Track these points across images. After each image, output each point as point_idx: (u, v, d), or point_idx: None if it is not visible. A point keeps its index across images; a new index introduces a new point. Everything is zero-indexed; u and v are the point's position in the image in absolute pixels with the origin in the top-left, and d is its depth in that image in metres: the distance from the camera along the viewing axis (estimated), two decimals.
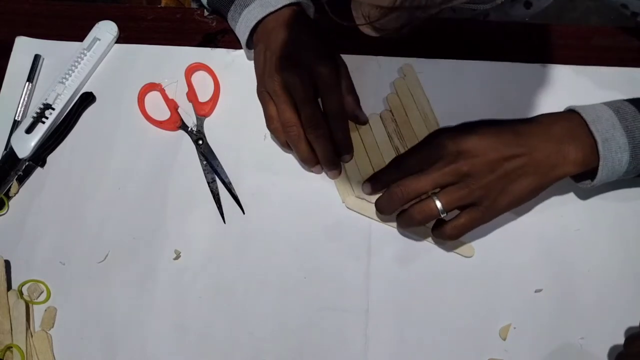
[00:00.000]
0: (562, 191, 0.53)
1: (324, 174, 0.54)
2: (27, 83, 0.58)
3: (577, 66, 0.57)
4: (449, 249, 0.51)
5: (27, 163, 0.55)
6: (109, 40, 0.59)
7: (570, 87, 0.56)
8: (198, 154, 0.55)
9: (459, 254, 0.51)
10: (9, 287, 0.51)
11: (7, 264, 0.52)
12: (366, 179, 0.52)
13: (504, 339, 0.49)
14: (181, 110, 0.57)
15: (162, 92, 0.58)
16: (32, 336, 0.49)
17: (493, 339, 0.49)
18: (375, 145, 0.55)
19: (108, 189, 0.54)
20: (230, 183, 0.54)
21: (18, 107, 0.57)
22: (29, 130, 0.55)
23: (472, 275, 0.51)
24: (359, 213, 0.53)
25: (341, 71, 0.52)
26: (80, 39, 0.59)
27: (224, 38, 0.60)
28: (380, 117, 0.56)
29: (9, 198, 0.54)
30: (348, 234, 0.52)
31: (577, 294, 0.50)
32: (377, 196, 0.53)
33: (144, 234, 0.53)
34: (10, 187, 0.54)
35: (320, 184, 0.54)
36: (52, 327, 0.50)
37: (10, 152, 0.55)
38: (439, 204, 0.46)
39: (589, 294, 0.50)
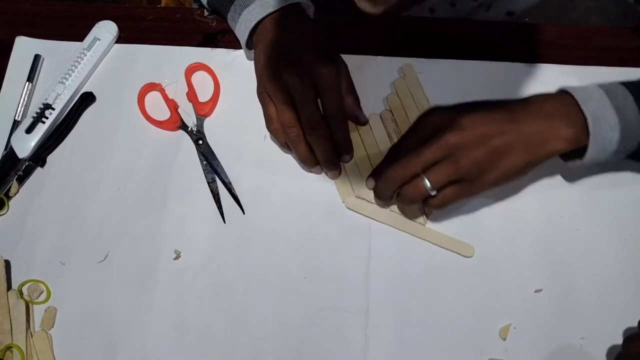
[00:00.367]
0: (562, 191, 0.53)
1: (323, 174, 0.54)
2: (27, 83, 0.58)
3: (577, 66, 0.57)
4: (449, 247, 0.51)
5: (27, 163, 0.55)
6: (109, 40, 0.59)
7: (565, 84, 0.56)
8: (198, 154, 0.55)
9: (459, 254, 0.51)
10: (9, 287, 0.51)
11: (7, 263, 0.52)
12: (369, 174, 0.52)
13: (504, 339, 0.49)
14: (181, 110, 0.57)
15: (162, 92, 0.58)
16: (32, 336, 0.49)
17: (493, 339, 0.49)
18: (375, 145, 0.55)
19: (108, 189, 0.54)
20: (230, 183, 0.54)
21: (18, 107, 0.57)
22: (29, 130, 0.55)
23: (472, 275, 0.51)
24: (359, 213, 0.53)
25: (341, 71, 0.52)
26: (81, 39, 0.59)
27: (224, 38, 0.60)
28: (380, 117, 0.56)
29: (9, 198, 0.54)
30: (348, 234, 0.52)
31: (577, 294, 0.50)
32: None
33: (144, 234, 0.53)
34: (10, 187, 0.54)
35: (321, 184, 0.54)
36: (52, 327, 0.50)
37: (10, 152, 0.55)
38: (427, 183, 0.46)
39: (588, 294, 0.50)
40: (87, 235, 0.53)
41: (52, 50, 0.59)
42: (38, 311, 0.51)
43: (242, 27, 0.54)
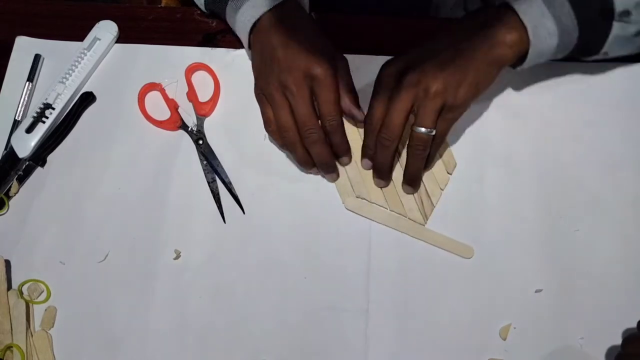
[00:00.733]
0: (561, 192, 0.53)
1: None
2: (28, 83, 0.58)
3: (575, 63, 0.57)
4: (448, 249, 0.51)
5: (27, 163, 0.55)
6: (109, 40, 0.59)
7: (568, 84, 0.57)
8: (198, 153, 0.55)
9: (459, 255, 0.51)
10: (9, 287, 0.51)
11: (7, 263, 0.52)
12: (362, 154, 0.53)
13: (504, 339, 0.49)
14: (181, 110, 0.57)
15: (162, 92, 0.58)
16: (32, 336, 0.49)
17: (493, 339, 0.49)
18: None
19: (108, 189, 0.54)
20: (230, 183, 0.54)
21: (18, 106, 0.57)
22: (29, 129, 0.55)
23: (472, 276, 0.51)
24: (358, 214, 0.53)
25: (339, 69, 0.51)
26: (81, 38, 0.59)
27: (224, 38, 0.60)
28: None
29: (9, 198, 0.54)
30: (348, 234, 0.52)
31: (577, 294, 0.50)
32: (377, 196, 0.53)
33: (144, 234, 0.53)
34: (10, 186, 0.54)
35: (321, 184, 0.54)
36: (52, 326, 0.50)
37: (10, 151, 0.55)
38: (422, 130, 0.47)
39: (588, 295, 0.50)
40: (87, 235, 0.53)
41: (53, 50, 0.59)
42: (38, 311, 0.51)
43: (240, 30, 0.54)
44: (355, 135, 0.55)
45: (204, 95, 0.57)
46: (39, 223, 0.54)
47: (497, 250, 0.51)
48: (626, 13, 0.48)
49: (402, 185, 0.53)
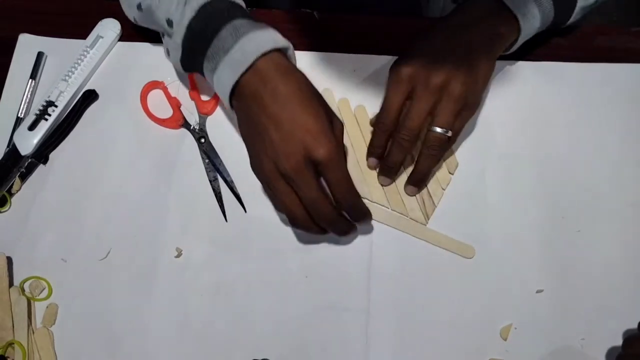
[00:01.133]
0: (563, 193, 0.53)
1: None
2: (30, 80, 0.58)
3: (576, 63, 0.57)
4: (450, 248, 0.52)
5: (29, 160, 0.55)
6: (112, 38, 0.59)
7: (568, 83, 0.57)
8: (200, 152, 0.56)
9: (460, 255, 0.51)
10: (11, 284, 0.51)
11: (9, 260, 0.52)
12: (367, 154, 0.53)
13: (505, 339, 0.49)
14: (183, 109, 0.57)
15: (165, 90, 0.58)
16: (33, 333, 0.50)
17: (494, 339, 0.49)
18: None
19: (110, 187, 0.54)
20: (232, 181, 0.54)
21: (21, 104, 0.57)
22: (32, 127, 0.55)
23: (473, 276, 0.51)
24: None
25: (337, 135, 0.45)
26: (84, 36, 0.59)
27: None
28: None
29: (11, 195, 0.54)
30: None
31: (578, 294, 0.50)
32: (378, 195, 0.53)
33: (146, 232, 0.53)
34: (12, 184, 0.54)
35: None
36: (54, 324, 0.50)
37: (12, 149, 0.55)
38: (439, 130, 0.48)
39: (590, 295, 0.50)
40: (89, 233, 0.53)
41: (55, 47, 0.60)
42: (39, 308, 0.51)
43: (220, 94, 0.47)
44: (357, 134, 0.55)
45: (206, 94, 0.57)
46: (41, 220, 0.54)
47: (498, 251, 0.51)
48: None
49: (406, 187, 0.53)
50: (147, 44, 0.60)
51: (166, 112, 0.57)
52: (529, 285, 0.50)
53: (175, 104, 0.57)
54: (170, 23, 0.48)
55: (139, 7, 0.51)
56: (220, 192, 0.54)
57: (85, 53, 0.58)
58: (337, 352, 0.49)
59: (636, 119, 0.56)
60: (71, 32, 0.60)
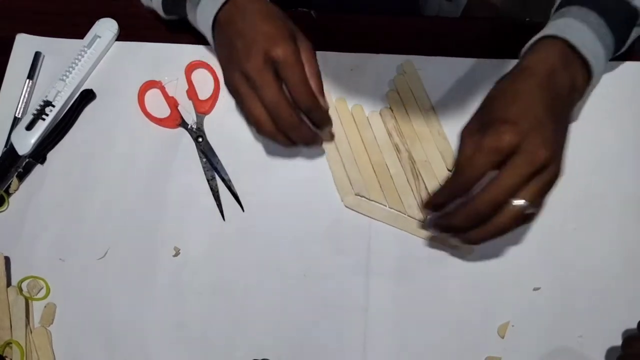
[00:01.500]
0: (560, 190, 0.53)
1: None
2: (28, 80, 0.58)
3: None
4: (448, 246, 0.52)
5: (27, 160, 0.55)
6: (110, 37, 0.59)
7: None
8: (198, 151, 0.56)
9: (458, 253, 0.51)
10: (9, 284, 0.51)
11: (7, 260, 0.52)
12: (425, 204, 0.48)
13: (503, 337, 0.49)
14: (181, 108, 0.57)
15: (162, 89, 0.58)
16: (31, 332, 0.50)
17: (491, 337, 0.49)
18: (374, 142, 0.55)
19: (108, 186, 0.55)
20: (229, 180, 0.54)
21: (18, 104, 0.57)
22: (29, 127, 0.55)
23: (471, 274, 0.51)
24: (357, 212, 0.53)
25: (302, 51, 0.48)
26: (81, 36, 0.59)
27: None
28: (380, 114, 0.56)
29: (9, 195, 0.54)
30: (347, 233, 0.52)
31: (575, 292, 0.50)
32: (376, 194, 0.53)
33: (144, 231, 0.53)
34: (10, 183, 0.54)
35: (320, 182, 0.54)
36: (52, 323, 0.50)
37: (10, 148, 0.55)
38: (521, 202, 0.42)
39: (587, 292, 0.50)
40: (87, 232, 0.53)
41: (53, 47, 0.60)
42: (37, 307, 0.51)
43: (203, 28, 0.51)
44: (354, 133, 0.55)
45: (203, 93, 0.57)
46: (39, 220, 0.54)
47: (495, 248, 0.51)
48: None
49: (449, 238, 0.49)
50: (144, 44, 0.60)
51: (164, 111, 0.57)
52: (526, 283, 0.50)
53: (172, 103, 0.57)
54: None
55: None
56: (218, 191, 0.54)
57: (82, 53, 0.58)
58: (336, 350, 0.49)
59: (633, 117, 0.56)
60: (68, 31, 0.60)
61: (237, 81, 0.47)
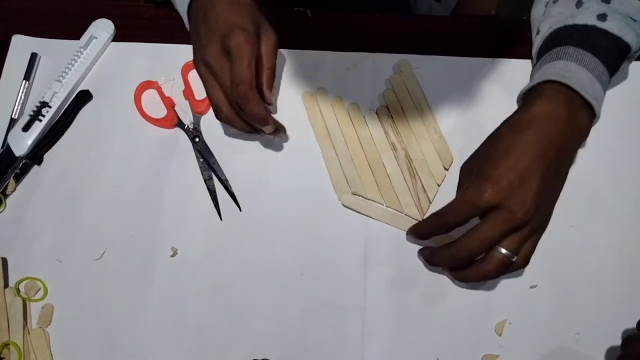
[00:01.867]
0: None
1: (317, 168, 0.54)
2: (24, 81, 0.58)
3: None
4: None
5: (24, 161, 0.55)
6: (106, 38, 0.59)
7: None
8: (195, 151, 0.56)
9: None
10: (6, 285, 0.51)
11: (4, 261, 0.52)
12: (409, 229, 0.51)
13: (500, 335, 0.49)
14: (178, 108, 0.57)
15: (159, 90, 0.58)
16: (29, 333, 0.50)
17: (488, 334, 0.49)
18: (371, 140, 0.55)
19: (105, 187, 0.55)
20: (226, 180, 0.54)
21: (15, 105, 0.57)
22: (26, 128, 0.55)
23: None
24: (354, 210, 0.53)
25: (263, 44, 0.50)
26: (77, 37, 0.59)
27: None
28: (377, 113, 0.56)
29: (5, 196, 0.54)
30: (344, 231, 0.52)
31: (572, 289, 0.50)
32: (372, 192, 0.53)
33: (141, 232, 0.53)
34: (7, 185, 0.54)
35: (317, 181, 0.54)
36: (49, 324, 0.50)
37: (7, 150, 0.55)
38: (504, 251, 0.45)
39: (584, 290, 0.50)
40: (84, 233, 0.53)
41: (49, 48, 0.59)
42: (35, 309, 0.51)
43: (180, 10, 0.55)
44: (351, 132, 0.55)
45: (200, 93, 0.57)
46: (36, 221, 0.54)
47: None
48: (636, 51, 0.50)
49: (452, 274, 0.50)
50: (140, 44, 0.60)
51: (160, 111, 0.57)
52: (523, 280, 0.50)
53: (169, 103, 0.57)
54: None
55: None
56: (215, 191, 0.54)
57: (78, 54, 0.58)
58: (334, 349, 0.49)
59: (632, 116, 0.56)
60: (65, 32, 0.60)
61: (199, 67, 0.50)
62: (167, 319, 0.50)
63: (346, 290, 0.51)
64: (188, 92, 0.57)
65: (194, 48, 0.52)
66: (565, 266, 0.51)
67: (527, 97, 0.49)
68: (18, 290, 0.51)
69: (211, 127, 0.56)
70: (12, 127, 0.56)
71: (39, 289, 0.51)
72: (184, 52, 0.58)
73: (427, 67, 0.57)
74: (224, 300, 0.51)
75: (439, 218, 0.47)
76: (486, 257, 0.45)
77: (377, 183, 0.54)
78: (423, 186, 0.53)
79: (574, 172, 0.53)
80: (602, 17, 0.48)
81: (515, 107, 0.56)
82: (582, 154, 0.54)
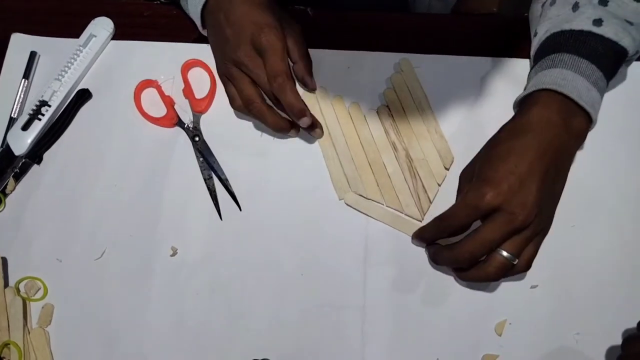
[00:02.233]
0: None
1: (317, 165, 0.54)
2: (23, 80, 0.58)
3: None
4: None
5: (23, 160, 0.55)
6: (105, 36, 0.59)
7: None
8: (194, 150, 0.55)
9: None
10: (6, 284, 0.51)
11: (4, 261, 0.52)
12: (414, 234, 0.51)
13: (500, 335, 0.49)
14: (177, 107, 0.57)
15: (159, 88, 0.57)
16: (29, 333, 0.50)
17: (488, 334, 0.49)
18: (371, 140, 0.55)
19: (104, 186, 0.54)
20: (226, 180, 0.54)
21: (14, 104, 0.57)
22: (25, 127, 0.55)
23: None
24: (357, 210, 0.53)
25: (290, 36, 0.51)
26: (76, 35, 0.59)
27: None
28: (377, 112, 0.56)
29: (5, 195, 0.54)
30: (345, 231, 0.52)
31: (573, 290, 0.50)
32: (373, 192, 0.53)
33: (141, 231, 0.53)
34: (6, 184, 0.54)
35: (317, 180, 0.54)
36: (50, 324, 0.50)
37: (6, 149, 0.55)
38: (505, 254, 0.45)
39: (584, 290, 0.50)
40: (84, 232, 0.53)
41: (48, 47, 0.59)
42: (35, 308, 0.51)
43: (193, 14, 0.54)
44: (352, 132, 0.55)
45: (200, 92, 0.57)
46: (36, 220, 0.54)
47: None
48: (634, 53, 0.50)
49: (456, 274, 0.50)
50: (140, 42, 0.59)
51: (160, 110, 0.56)
52: (523, 280, 0.50)
53: (169, 102, 0.57)
54: None
55: None
56: (215, 191, 0.54)
57: (78, 52, 0.58)
58: (334, 349, 0.49)
59: (632, 116, 0.55)
60: (64, 31, 0.60)
61: (229, 67, 0.51)
62: (167, 318, 0.50)
63: (346, 290, 0.51)
64: (188, 91, 0.57)
65: (219, 50, 0.53)
66: (566, 266, 0.51)
67: (523, 104, 0.50)
68: (18, 290, 0.51)
69: (211, 126, 0.56)
70: (12, 126, 0.56)
71: (39, 289, 0.51)
72: (184, 51, 0.58)
73: (428, 66, 0.57)
74: (223, 300, 0.51)
75: (441, 222, 0.48)
76: (487, 259, 0.45)
77: (378, 183, 0.54)
78: (423, 186, 0.53)
79: (574, 173, 0.53)
80: (598, 22, 0.48)
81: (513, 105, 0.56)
82: (582, 154, 0.54)
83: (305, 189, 0.54)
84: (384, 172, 0.54)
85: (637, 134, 0.55)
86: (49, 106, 0.56)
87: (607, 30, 0.48)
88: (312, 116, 0.52)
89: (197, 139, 0.56)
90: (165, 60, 0.58)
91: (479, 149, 0.55)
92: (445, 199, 0.53)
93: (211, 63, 0.58)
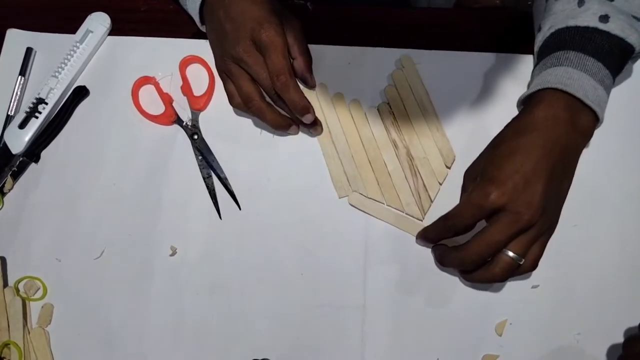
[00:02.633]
0: None
1: (318, 164, 0.53)
2: (20, 77, 0.57)
3: None
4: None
5: (21, 159, 0.55)
6: (102, 32, 0.58)
7: None
8: (193, 148, 0.55)
9: None
10: (5, 284, 0.51)
11: (3, 260, 0.52)
12: (418, 234, 0.50)
13: (500, 335, 0.49)
14: (176, 104, 0.56)
15: (157, 85, 0.57)
16: (29, 333, 0.50)
17: (489, 334, 0.49)
18: (372, 138, 0.54)
19: (103, 185, 0.54)
20: (226, 178, 0.54)
21: (11, 101, 0.56)
22: (22, 125, 0.55)
23: None
24: (359, 209, 0.52)
25: (290, 31, 0.51)
26: (73, 31, 0.58)
27: None
28: (378, 110, 0.55)
29: (3, 194, 0.54)
30: (345, 230, 0.52)
31: (574, 290, 0.50)
32: (373, 191, 0.53)
33: (140, 230, 0.53)
34: (4, 183, 0.54)
35: (317, 179, 0.54)
36: (49, 323, 0.50)
37: (3, 147, 0.55)
38: (511, 254, 0.44)
39: (585, 290, 0.50)
40: (83, 232, 0.53)
41: (45, 43, 0.58)
42: (35, 308, 0.51)
43: (191, 10, 0.54)
44: (352, 129, 0.55)
45: (198, 88, 0.56)
46: (34, 220, 0.53)
47: None
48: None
49: (462, 275, 0.50)
50: (137, 38, 0.59)
51: (158, 108, 0.56)
52: (524, 280, 0.50)
53: (167, 99, 0.56)
54: None
55: None
56: (214, 190, 0.54)
57: (75, 48, 0.57)
58: (334, 348, 0.49)
59: (634, 115, 0.55)
60: (60, 26, 0.59)
61: (228, 64, 0.50)
62: (166, 318, 0.50)
63: (346, 289, 0.50)
64: (186, 88, 0.56)
65: (217, 46, 0.52)
66: (567, 266, 0.50)
67: (527, 102, 0.49)
68: (17, 290, 0.51)
69: (210, 124, 0.56)
70: (8, 124, 0.55)
71: (39, 288, 0.51)
72: (182, 47, 0.58)
73: (429, 62, 0.56)
74: (223, 300, 0.51)
75: (445, 222, 0.47)
76: (494, 260, 0.45)
77: (378, 181, 0.53)
78: (424, 184, 0.53)
79: (576, 172, 0.52)
80: (604, 18, 0.47)
81: (515, 102, 0.56)
82: (584, 153, 0.53)
83: (305, 188, 0.53)
84: (384, 170, 0.53)
85: None
86: (46, 104, 0.55)
87: (614, 27, 0.47)
88: (314, 112, 0.51)
89: (195, 137, 0.55)
90: (163, 56, 0.58)
91: (481, 147, 0.54)
92: (446, 197, 0.52)
93: (210, 59, 0.57)
